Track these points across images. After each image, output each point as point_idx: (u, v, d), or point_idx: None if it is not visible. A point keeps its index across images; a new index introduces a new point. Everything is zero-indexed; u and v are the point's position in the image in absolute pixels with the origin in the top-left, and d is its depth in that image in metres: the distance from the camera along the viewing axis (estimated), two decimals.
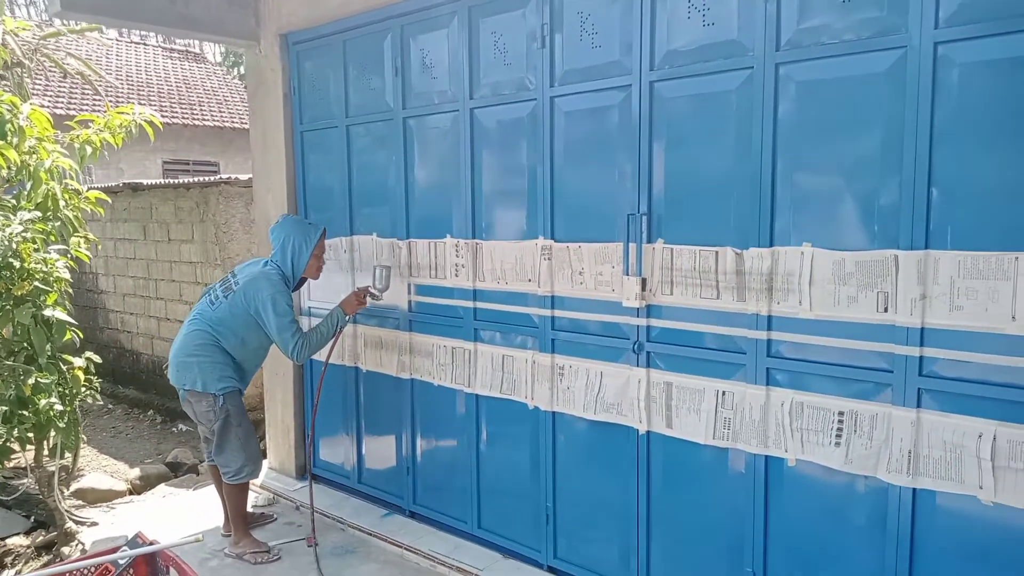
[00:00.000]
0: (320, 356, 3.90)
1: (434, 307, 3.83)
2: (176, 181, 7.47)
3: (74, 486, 5.03)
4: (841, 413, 2.50)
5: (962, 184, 2.23)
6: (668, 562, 3.05)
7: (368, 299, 3.83)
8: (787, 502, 2.68)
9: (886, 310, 2.38)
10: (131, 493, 5.33)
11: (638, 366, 3.01)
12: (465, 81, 3.52)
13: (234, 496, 3.82)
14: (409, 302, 3.95)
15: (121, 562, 2.78)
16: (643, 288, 2.93)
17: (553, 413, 3.34)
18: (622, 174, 2.98)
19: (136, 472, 5.72)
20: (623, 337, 3.06)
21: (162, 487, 5.34)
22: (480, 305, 3.60)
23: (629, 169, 2.95)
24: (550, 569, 3.46)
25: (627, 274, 2.97)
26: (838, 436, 2.51)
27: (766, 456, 2.69)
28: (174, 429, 7.12)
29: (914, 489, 2.38)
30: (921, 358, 2.33)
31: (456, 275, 3.67)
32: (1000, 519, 2.24)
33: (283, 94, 4.52)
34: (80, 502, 4.93)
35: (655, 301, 2.94)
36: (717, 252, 2.73)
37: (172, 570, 2.73)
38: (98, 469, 5.89)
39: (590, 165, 3.11)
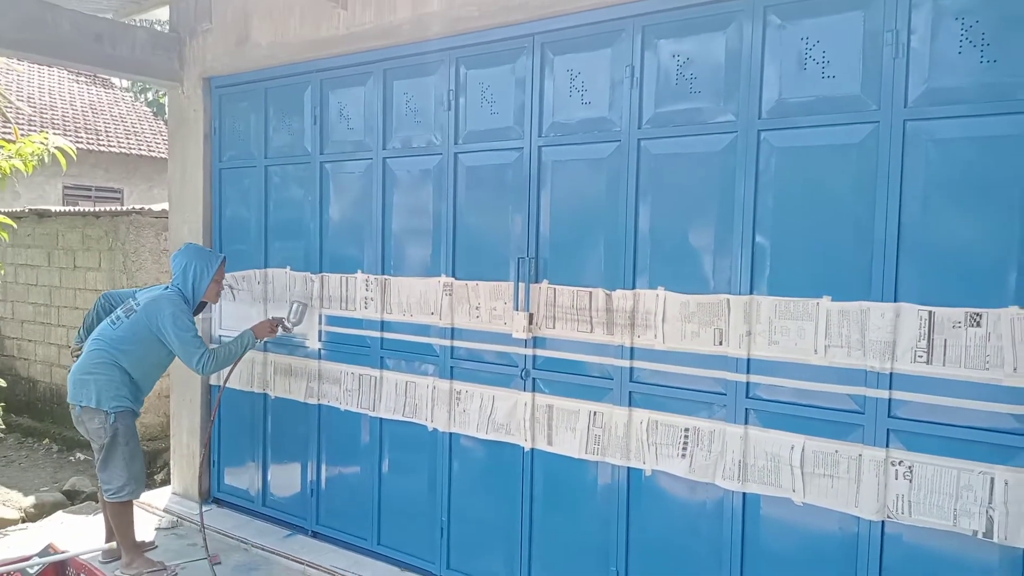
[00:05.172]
0: (218, 380, 4.09)
1: (343, 337, 4.15)
2: (86, 209, 7.46)
3: None
4: (687, 429, 2.99)
5: (779, 243, 2.79)
6: (546, 565, 3.43)
7: (279, 329, 4.10)
8: (644, 507, 3.13)
9: (720, 343, 2.90)
10: (24, 521, 5.27)
11: (525, 391, 3.43)
12: (379, 133, 3.92)
13: (118, 516, 3.90)
14: (320, 331, 4.25)
15: (31, 570, 2.93)
16: (530, 322, 3.37)
17: (450, 434, 3.71)
18: (514, 222, 3.44)
19: (31, 500, 5.64)
20: (512, 365, 3.48)
21: (59, 515, 5.30)
22: (387, 335, 3.95)
23: (520, 218, 3.41)
24: None
25: (517, 309, 3.41)
26: (684, 448, 2.99)
27: (628, 468, 3.15)
28: (72, 458, 7.00)
29: (744, 493, 2.88)
30: (747, 383, 2.86)
31: (365, 307, 4.01)
32: (809, 517, 2.76)
33: (204, 134, 4.77)
34: None
35: (540, 333, 3.38)
36: (591, 292, 3.21)
37: None
38: None
39: (487, 213, 3.55)
